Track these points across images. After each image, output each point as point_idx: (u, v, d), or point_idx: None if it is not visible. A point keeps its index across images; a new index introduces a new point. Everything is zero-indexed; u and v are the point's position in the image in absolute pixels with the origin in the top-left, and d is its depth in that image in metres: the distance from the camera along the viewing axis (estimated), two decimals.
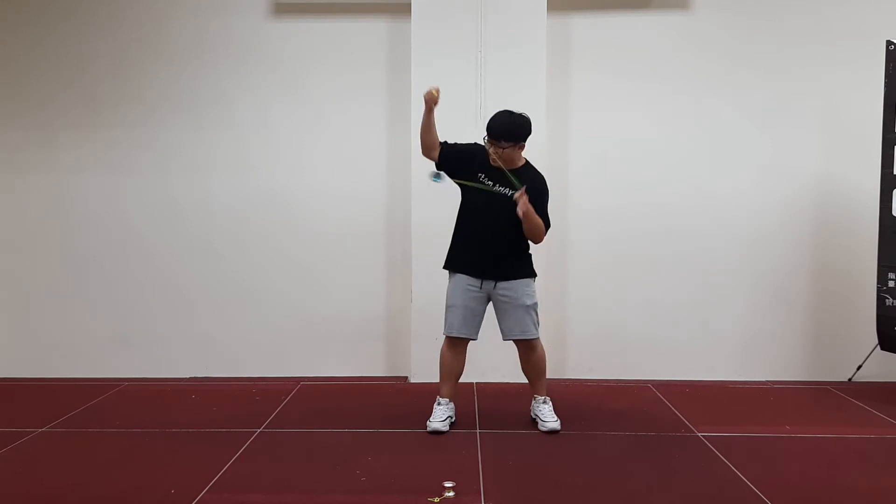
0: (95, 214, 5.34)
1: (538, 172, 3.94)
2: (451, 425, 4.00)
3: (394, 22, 5.17)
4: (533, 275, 3.95)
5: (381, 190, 5.27)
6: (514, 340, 3.95)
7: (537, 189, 3.83)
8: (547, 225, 3.87)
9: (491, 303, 3.96)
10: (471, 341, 3.99)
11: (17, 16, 5.29)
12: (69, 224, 5.35)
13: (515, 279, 3.88)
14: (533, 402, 4.05)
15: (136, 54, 5.27)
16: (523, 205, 3.63)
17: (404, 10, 5.02)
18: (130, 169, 5.31)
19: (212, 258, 5.32)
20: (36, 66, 5.30)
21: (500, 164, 3.76)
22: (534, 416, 4.03)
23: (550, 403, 4.01)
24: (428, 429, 3.93)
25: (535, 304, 3.93)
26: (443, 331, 3.99)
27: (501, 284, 3.87)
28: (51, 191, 5.34)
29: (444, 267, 4.01)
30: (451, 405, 4.05)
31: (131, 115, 5.29)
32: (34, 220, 5.36)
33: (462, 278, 3.92)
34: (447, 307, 3.96)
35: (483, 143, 3.84)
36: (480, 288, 3.89)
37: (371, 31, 5.20)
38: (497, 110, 3.84)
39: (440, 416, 3.97)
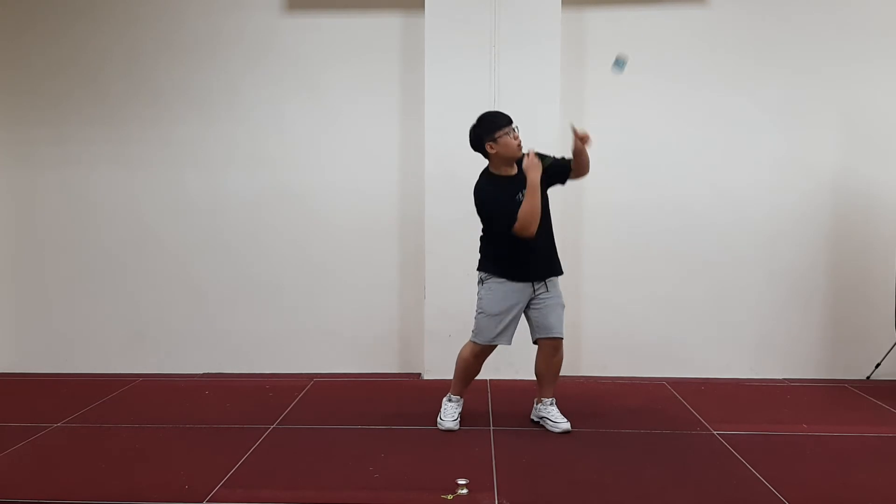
0: (110, 211, 5.37)
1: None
2: (480, 422, 4.01)
3: (407, 17, 5.16)
4: (562, 273, 3.94)
5: (394, 186, 5.26)
6: (545, 340, 3.86)
7: (547, 169, 3.74)
8: (567, 159, 3.82)
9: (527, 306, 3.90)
10: None
11: (33, 14, 5.32)
12: (84, 221, 5.38)
13: (557, 276, 3.87)
14: (538, 405, 4.00)
15: (150, 51, 5.30)
16: (583, 138, 3.60)
17: (418, 4, 5.01)
18: (145, 166, 5.33)
19: (226, 254, 5.34)
20: (51, 63, 5.33)
21: (525, 155, 3.73)
22: (537, 419, 4.00)
23: (556, 404, 3.98)
24: (440, 427, 3.93)
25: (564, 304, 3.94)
26: (476, 337, 3.87)
27: (549, 283, 3.82)
28: (66, 187, 5.37)
29: (488, 273, 3.83)
30: (462, 401, 4.05)
31: (146, 112, 5.31)
32: (49, 217, 5.40)
33: (510, 286, 3.78)
34: (487, 315, 3.80)
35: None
36: (533, 292, 3.80)
37: (385, 26, 5.19)
38: (498, 109, 3.85)
39: (452, 414, 3.96)
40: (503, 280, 3.80)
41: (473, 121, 3.80)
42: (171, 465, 3.43)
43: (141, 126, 5.32)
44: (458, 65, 4.91)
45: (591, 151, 5.07)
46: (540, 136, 4.75)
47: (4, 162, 5.39)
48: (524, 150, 3.73)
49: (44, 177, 5.38)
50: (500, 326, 3.81)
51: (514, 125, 3.74)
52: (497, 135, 3.69)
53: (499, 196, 3.71)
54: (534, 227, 3.61)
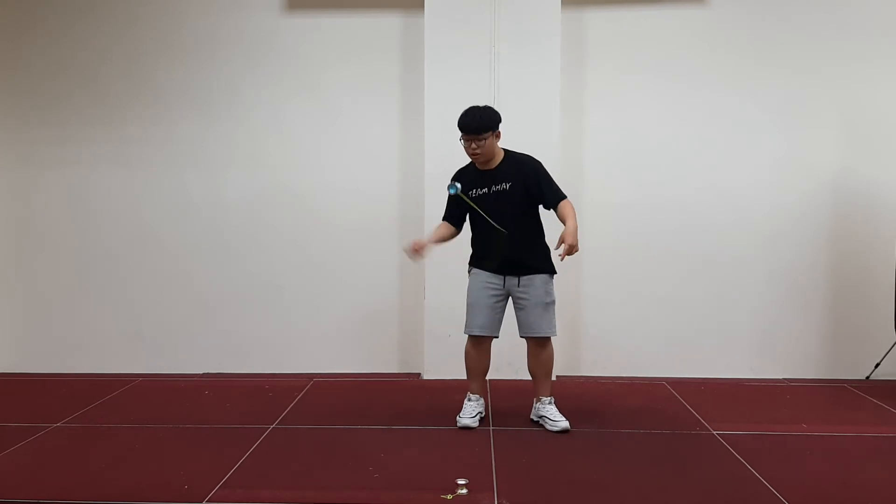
0: (110, 211, 5.37)
1: (522, 155, 3.91)
2: (481, 420, 4.01)
3: (407, 17, 5.16)
4: (552, 271, 3.92)
5: (394, 186, 5.26)
6: (528, 339, 3.92)
7: (531, 172, 3.83)
8: (564, 196, 3.84)
9: (511, 300, 3.94)
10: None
11: (33, 14, 5.32)
12: (84, 221, 5.38)
13: (536, 273, 3.85)
14: (537, 403, 4.00)
15: (150, 51, 5.30)
16: (567, 248, 3.61)
17: (418, 4, 5.01)
18: (145, 166, 5.34)
19: (225, 254, 5.34)
20: (51, 63, 5.33)
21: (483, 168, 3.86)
22: (537, 418, 4.00)
23: (555, 403, 3.99)
24: (458, 424, 3.93)
25: (554, 301, 3.90)
26: (464, 329, 3.97)
27: (524, 280, 3.84)
28: (66, 188, 5.38)
29: (470, 265, 4.01)
30: (481, 401, 4.06)
31: (146, 112, 5.31)
32: (49, 217, 5.40)
33: (483, 276, 3.91)
34: (468, 304, 3.95)
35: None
36: (503, 286, 3.87)
37: (385, 26, 5.20)
38: (474, 105, 3.83)
39: (470, 412, 3.98)
40: (477, 270, 3.94)
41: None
42: (171, 465, 3.42)
43: (141, 126, 5.32)
44: (457, 65, 4.92)
45: (590, 151, 5.14)
46: (539, 136, 4.77)
47: (4, 162, 5.40)
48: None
49: (44, 177, 5.38)
50: (478, 316, 3.89)
51: (479, 136, 3.72)
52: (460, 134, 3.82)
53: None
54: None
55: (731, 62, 5.10)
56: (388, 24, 5.20)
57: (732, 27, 5.09)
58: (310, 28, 5.24)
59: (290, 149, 5.28)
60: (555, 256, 3.78)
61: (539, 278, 3.85)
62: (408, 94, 5.19)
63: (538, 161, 3.90)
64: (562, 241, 3.62)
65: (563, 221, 3.74)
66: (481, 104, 3.83)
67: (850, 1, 5.04)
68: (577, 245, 3.62)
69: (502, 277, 3.87)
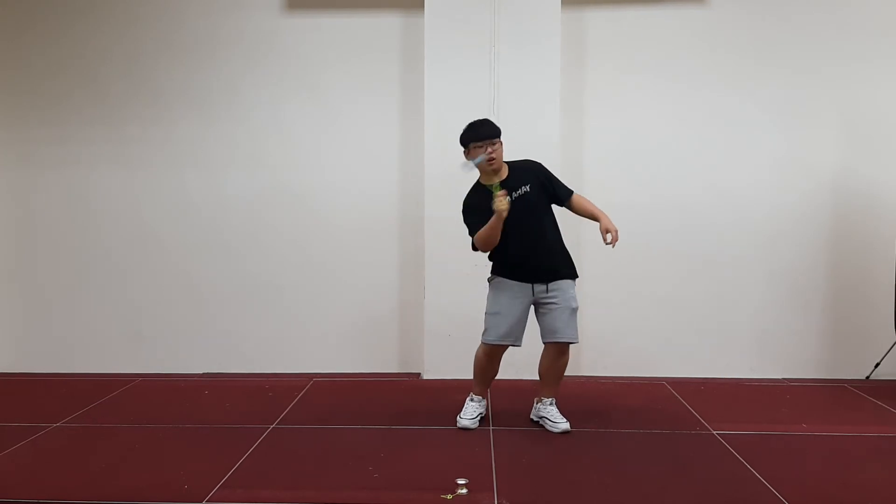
0: (110, 211, 5.37)
1: (522, 161, 3.91)
2: (481, 421, 4.01)
3: (407, 17, 5.16)
4: (576, 276, 3.91)
5: (394, 186, 5.26)
6: (551, 344, 3.86)
7: (539, 171, 3.85)
8: (572, 190, 3.91)
9: (533, 308, 3.88)
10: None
11: (33, 14, 5.32)
12: (84, 220, 5.38)
13: (565, 279, 3.83)
14: (538, 404, 4.00)
15: (150, 51, 5.30)
16: (615, 236, 3.73)
17: (418, 4, 5.01)
18: (145, 166, 5.34)
19: (225, 254, 5.34)
20: (51, 63, 5.33)
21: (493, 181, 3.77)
22: (537, 418, 4.00)
23: (556, 404, 3.98)
24: (458, 425, 3.93)
25: (577, 308, 3.87)
26: (482, 336, 3.91)
27: (552, 286, 3.80)
28: (66, 188, 5.38)
29: (493, 274, 3.91)
30: (484, 402, 4.06)
31: (146, 112, 5.31)
32: (49, 217, 5.40)
33: (510, 285, 3.83)
34: (491, 314, 3.87)
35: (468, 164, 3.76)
36: (532, 294, 3.81)
37: (385, 26, 5.20)
38: (483, 116, 3.87)
39: (471, 413, 3.98)
40: (503, 279, 3.85)
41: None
42: (171, 465, 3.43)
43: (141, 126, 5.32)
44: (457, 65, 4.92)
45: (590, 151, 5.14)
46: (539, 136, 4.77)
47: (4, 162, 5.40)
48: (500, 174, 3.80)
49: (44, 177, 5.38)
50: (503, 326, 3.82)
51: (493, 140, 3.71)
52: (470, 146, 3.76)
53: (474, 207, 3.78)
54: (486, 250, 3.78)
55: (731, 62, 5.09)
56: (388, 24, 5.20)
57: (732, 27, 5.09)
58: (310, 28, 5.24)
59: (290, 149, 5.28)
60: (603, 248, 3.83)
61: (566, 283, 3.84)
62: (408, 94, 5.19)
63: (537, 161, 3.92)
64: (606, 231, 3.72)
65: (591, 215, 3.84)
66: (476, 119, 3.82)
67: (850, 1, 5.04)
68: (615, 234, 3.74)
69: (530, 286, 3.81)
